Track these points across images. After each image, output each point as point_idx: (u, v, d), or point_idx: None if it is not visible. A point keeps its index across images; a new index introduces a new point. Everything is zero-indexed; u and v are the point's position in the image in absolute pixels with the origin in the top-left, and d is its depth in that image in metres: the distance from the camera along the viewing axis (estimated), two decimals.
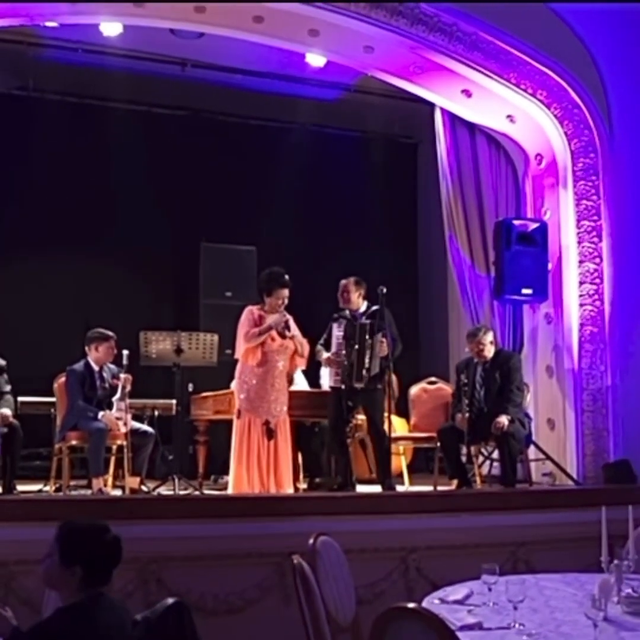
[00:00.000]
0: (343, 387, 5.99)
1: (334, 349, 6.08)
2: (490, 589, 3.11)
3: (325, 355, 6.15)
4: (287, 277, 5.93)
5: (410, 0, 6.38)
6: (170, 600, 2.57)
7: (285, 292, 5.90)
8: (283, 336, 5.85)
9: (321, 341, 6.25)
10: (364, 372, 5.95)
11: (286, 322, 5.84)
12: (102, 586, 2.63)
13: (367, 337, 5.98)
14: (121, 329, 6.45)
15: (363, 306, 6.22)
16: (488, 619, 2.88)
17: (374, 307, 6.15)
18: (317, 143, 9.22)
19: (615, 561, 3.28)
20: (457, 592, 3.27)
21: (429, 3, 6.44)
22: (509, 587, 2.95)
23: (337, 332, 6.10)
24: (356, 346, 5.96)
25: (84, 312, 7.94)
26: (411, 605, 2.30)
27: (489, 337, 6.37)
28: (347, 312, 6.20)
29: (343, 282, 6.25)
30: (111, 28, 6.94)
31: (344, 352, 6.00)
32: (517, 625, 2.78)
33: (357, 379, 5.96)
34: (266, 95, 8.54)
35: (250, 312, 5.90)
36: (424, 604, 3.03)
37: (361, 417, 6.56)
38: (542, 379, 7.16)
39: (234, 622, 4.52)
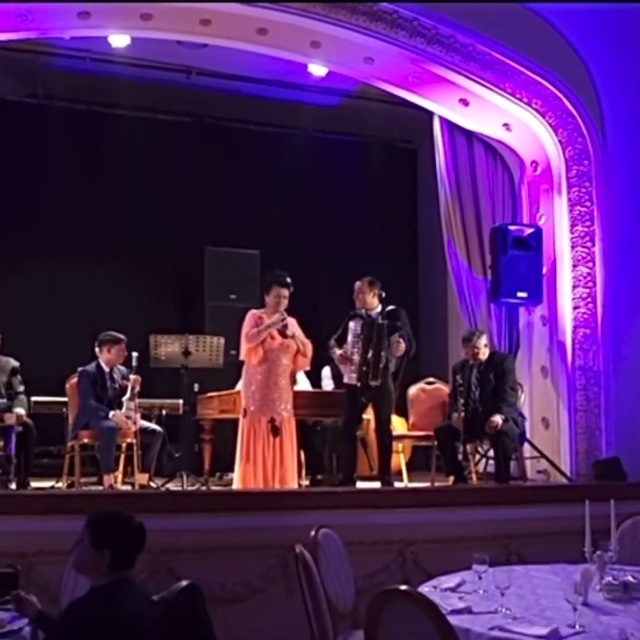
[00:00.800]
0: (359, 384, 6.04)
1: (349, 347, 6.08)
2: (480, 578, 3.27)
3: (338, 352, 6.13)
4: (288, 278, 6.02)
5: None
6: (184, 583, 2.76)
7: (283, 291, 5.97)
8: (284, 335, 5.94)
9: (335, 336, 6.24)
10: (380, 370, 6.00)
11: (284, 320, 5.92)
12: (128, 570, 2.83)
13: (383, 337, 6.03)
14: (128, 331, 6.56)
15: (378, 306, 6.25)
16: (477, 604, 3.05)
17: (390, 307, 6.20)
18: (319, 148, 9.31)
19: (598, 552, 3.47)
20: (449, 580, 3.45)
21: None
22: (496, 575, 3.14)
23: (353, 330, 6.10)
24: (372, 346, 5.99)
25: (92, 315, 8.04)
26: (404, 587, 2.48)
27: (483, 340, 6.50)
28: (363, 311, 6.21)
29: (357, 283, 6.29)
30: (119, 40, 7.02)
31: (359, 351, 6.00)
32: (504, 610, 2.95)
33: (373, 377, 6.01)
34: (269, 101, 8.65)
35: (252, 314, 6.01)
36: None
37: (365, 417, 6.60)
38: (537, 379, 7.24)
39: (240, 610, 4.61)
